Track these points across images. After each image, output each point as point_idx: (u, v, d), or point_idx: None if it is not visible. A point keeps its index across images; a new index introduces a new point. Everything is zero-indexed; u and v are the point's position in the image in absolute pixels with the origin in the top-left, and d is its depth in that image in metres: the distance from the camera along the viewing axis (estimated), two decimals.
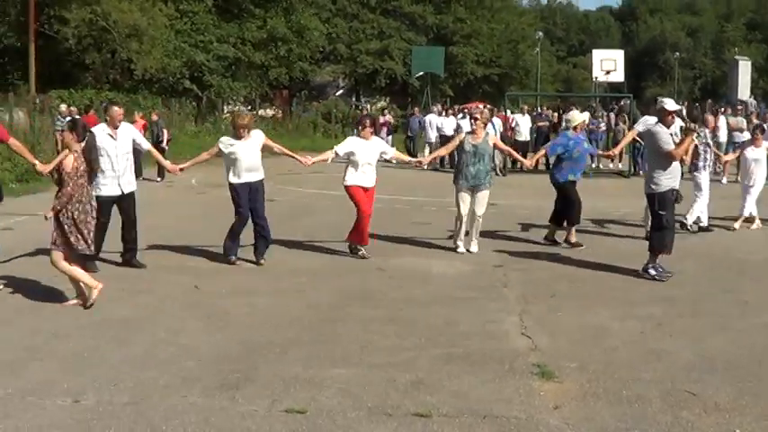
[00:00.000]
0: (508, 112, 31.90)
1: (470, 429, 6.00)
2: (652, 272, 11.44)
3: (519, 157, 16.56)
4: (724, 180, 23.34)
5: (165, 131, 25.73)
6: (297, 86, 56.99)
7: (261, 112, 50.98)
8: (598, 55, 40.53)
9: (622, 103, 40.35)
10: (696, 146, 15.38)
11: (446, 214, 14.20)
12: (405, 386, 6.84)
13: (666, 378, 7.13)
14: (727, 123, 27.53)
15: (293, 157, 12.92)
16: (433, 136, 30.13)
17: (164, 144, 24.80)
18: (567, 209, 14.03)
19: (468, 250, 13.23)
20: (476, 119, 13.65)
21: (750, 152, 16.43)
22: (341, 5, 58.33)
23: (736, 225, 15.93)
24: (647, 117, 15.72)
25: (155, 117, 26.55)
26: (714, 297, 10.39)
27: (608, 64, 38.36)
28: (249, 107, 51.93)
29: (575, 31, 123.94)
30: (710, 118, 16.61)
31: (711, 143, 15.93)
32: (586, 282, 11.25)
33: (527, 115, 30.61)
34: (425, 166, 15.02)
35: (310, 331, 8.56)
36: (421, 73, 44.27)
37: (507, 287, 10.89)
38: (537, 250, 13.38)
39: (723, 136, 26.73)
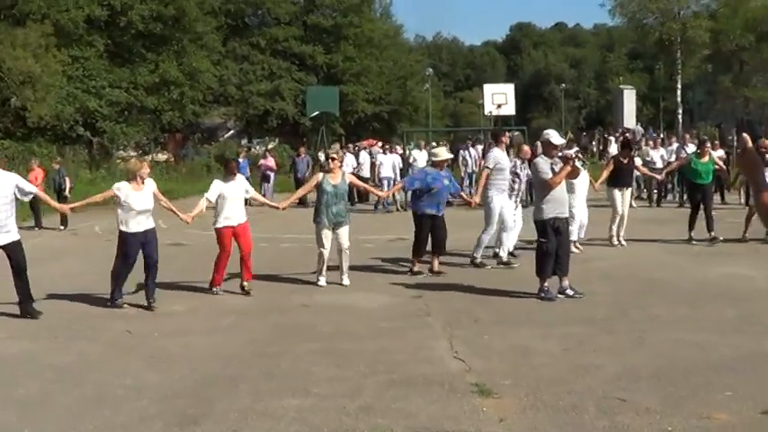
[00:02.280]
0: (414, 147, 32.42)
1: None
2: (541, 295, 12.13)
3: (377, 192, 16.75)
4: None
5: (67, 179, 25.56)
6: (189, 129, 56.87)
7: (153, 156, 50.72)
8: (489, 89, 41.30)
9: (513, 135, 41.23)
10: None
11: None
12: (355, 411, 7.21)
13: (597, 388, 7.67)
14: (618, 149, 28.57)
15: (176, 214, 13.17)
16: None
17: (66, 192, 24.65)
18: (415, 240, 14.74)
19: (341, 283, 13.64)
20: (333, 159, 14.08)
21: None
22: (230, 47, 58.47)
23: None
24: (495, 152, 15.84)
25: (56, 165, 26.35)
26: (627, 314, 11.03)
27: (499, 98, 39.16)
28: (140, 152, 51.63)
29: (461, 66, 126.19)
30: (525, 148, 16.96)
31: (522, 173, 15.82)
32: (503, 306, 11.78)
33: (424, 151, 31.24)
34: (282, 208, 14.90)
35: (253, 366, 8.86)
36: (317, 113, 44.67)
37: (431, 316, 11.32)
38: (449, 281, 13.85)
39: None
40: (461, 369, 8.56)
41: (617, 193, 17.74)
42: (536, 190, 12.62)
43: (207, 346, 9.82)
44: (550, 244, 12.10)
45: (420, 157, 30.27)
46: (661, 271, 14.46)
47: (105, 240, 20.93)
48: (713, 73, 59.80)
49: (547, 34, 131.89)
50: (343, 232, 13.73)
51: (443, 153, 15.65)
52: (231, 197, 13.09)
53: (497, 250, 15.65)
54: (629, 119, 58.98)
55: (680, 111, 59.65)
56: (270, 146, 52.56)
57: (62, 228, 23.92)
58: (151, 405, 7.59)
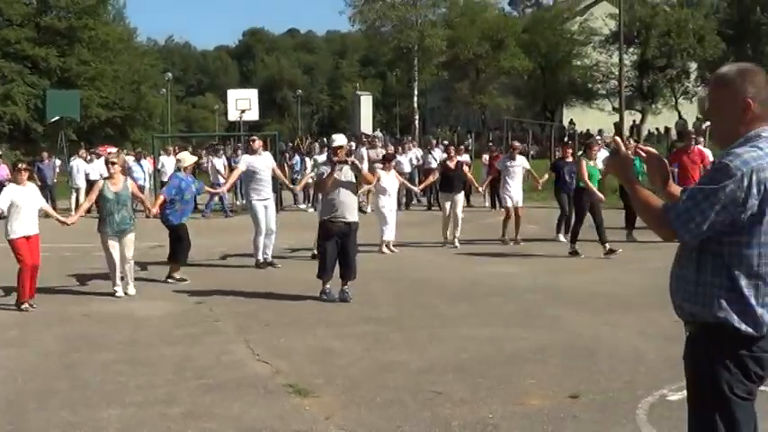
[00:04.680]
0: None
1: None
2: (323, 296, 12.52)
3: (149, 205, 16.41)
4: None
5: None
6: None
7: None
8: (233, 95, 41.22)
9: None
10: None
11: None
12: (180, 418, 7.23)
13: (408, 383, 8.05)
14: (368, 156, 29.42)
15: None
16: (80, 181, 29.73)
17: None
18: (176, 249, 14.79)
19: (126, 293, 13.34)
20: (113, 163, 13.78)
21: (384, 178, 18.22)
22: None
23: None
24: (244, 156, 17.30)
25: None
26: (412, 313, 11.53)
27: (243, 103, 39.14)
28: None
29: (192, 71, 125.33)
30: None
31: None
32: (289, 309, 12.01)
33: (173, 156, 30.98)
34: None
35: (57, 379, 8.64)
36: (57, 117, 43.40)
37: (220, 321, 11.37)
38: (228, 286, 13.85)
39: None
40: (269, 371, 8.71)
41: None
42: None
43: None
44: (323, 246, 12.57)
45: (168, 163, 30.03)
46: (429, 271, 15.13)
47: None
48: (450, 80, 62.06)
49: (279, 40, 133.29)
50: (128, 241, 13.43)
51: (188, 157, 15.86)
52: (24, 205, 12.43)
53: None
54: (366, 124, 60.37)
55: (417, 116, 61.70)
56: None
57: None
58: None
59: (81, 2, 59.08)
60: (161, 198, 15.03)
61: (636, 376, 8.12)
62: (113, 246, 13.24)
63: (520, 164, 19.20)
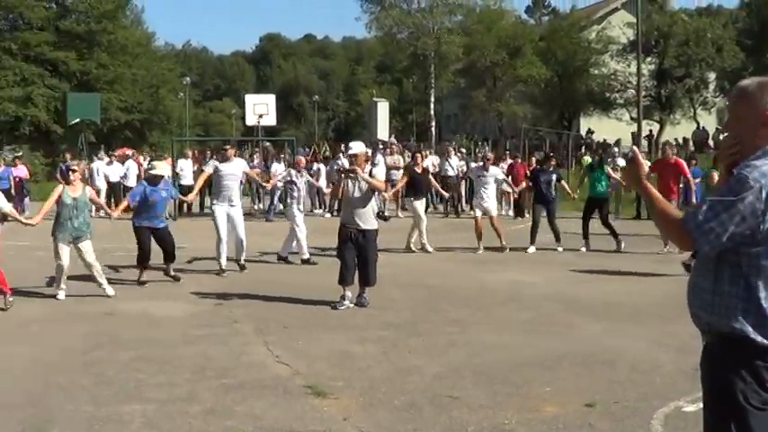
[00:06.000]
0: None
1: None
2: (341, 302, 12.56)
3: (108, 209, 16.21)
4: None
5: None
6: None
7: None
8: (251, 99, 41.37)
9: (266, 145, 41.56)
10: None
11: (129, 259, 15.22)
12: (201, 415, 7.38)
13: (426, 387, 8.17)
14: (385, 162, 29.53)
15: None
16: (101, 183, 29.97)
17: None
18: (138, 251, 14.87)
19: (107, 295, 13.39)
20: (73, 171, 13.90)
21: None
22: None
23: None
24: (211, 162, 17.85)
25: None
26: (428, 318, 11.67)
27: (261, 108, 39.26)
28: None
29: (210, 76, 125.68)
30: (300, 158, 19.69)
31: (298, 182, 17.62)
32: (306, 313, 12.13)
33: (190, 160, 31.27)
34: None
35: (80, 374, 8.80)
36: (77, 120, 43.64)
37: (238, 323, 11.50)
38: (246, 289, 13.96)
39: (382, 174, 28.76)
40: (289, 373, 8.85)
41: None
42: None
43: (23, 356, 9.63)
44: (341, 251, 12.70)
45: (186, 166, 30.26)
46: (441, 277, 15.27)
47: None
48: (467, 87, 61.88)
49: (296, 45, 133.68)
50: (86, 246, 13.44)
51: (162, 168, 16.07)
52: None
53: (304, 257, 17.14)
54: (383, 131, 60.38)
55: (433, 123, 61.74)
56: (19, 153, 50.75)
57: None
58: None
59: (100, 6, 59.12)
60: (124, 203, 15.28)
61: (652, 387, 8.22)
62: (64, 252, 13.27)
63: (492, 174, 19.57)
